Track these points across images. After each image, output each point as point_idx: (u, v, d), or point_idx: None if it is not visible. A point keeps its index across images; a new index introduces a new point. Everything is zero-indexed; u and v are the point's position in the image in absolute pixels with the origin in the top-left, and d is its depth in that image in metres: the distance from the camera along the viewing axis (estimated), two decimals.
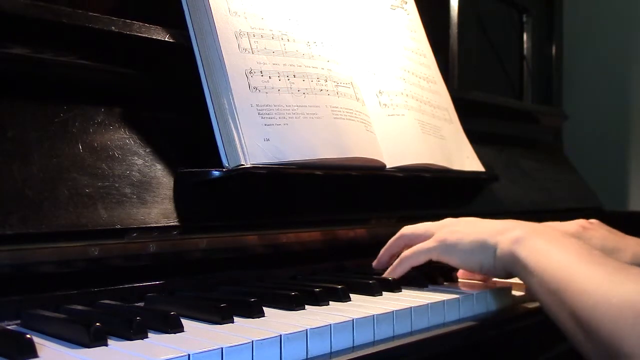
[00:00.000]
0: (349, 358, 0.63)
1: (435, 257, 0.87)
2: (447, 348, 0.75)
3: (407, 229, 0.94)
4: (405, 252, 0.90)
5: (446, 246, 0.86)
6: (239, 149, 0.83)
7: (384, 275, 0.89)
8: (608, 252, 0.98)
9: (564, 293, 0.70)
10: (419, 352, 0.71)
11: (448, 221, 0.92)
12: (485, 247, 0.83)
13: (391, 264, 0.91)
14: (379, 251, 0.96)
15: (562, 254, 0.75)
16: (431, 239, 0.88)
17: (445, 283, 0.92)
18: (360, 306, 0.74)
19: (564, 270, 0.72)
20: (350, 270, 1.02)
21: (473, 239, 0.85)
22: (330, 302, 0.76)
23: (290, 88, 0.91)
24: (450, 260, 0.87)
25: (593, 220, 1.07)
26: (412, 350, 0.70)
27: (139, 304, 0.76)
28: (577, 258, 0.73)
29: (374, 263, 0.97)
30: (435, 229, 0.90)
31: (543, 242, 0.78)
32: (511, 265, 0.80)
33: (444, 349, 0.74)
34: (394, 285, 0.85)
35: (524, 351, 0.93)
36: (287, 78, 0.92)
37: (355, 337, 0.67)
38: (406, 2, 1.23)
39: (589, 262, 0.72)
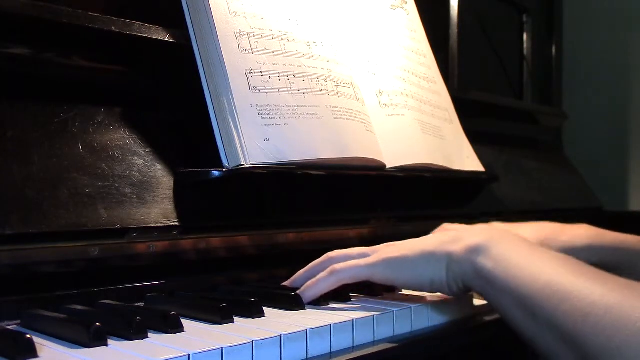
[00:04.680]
0: (349, 358, 0.63)
1: (376, 277, 0.75)
2: (449, 347, 0.75)
3: (336, 252, 0.80)
4: (337, 265, 0.76)
5: (389, 263, 0.74)
6: (239, 149, 0.83)
7: (301, 290, 0.76)
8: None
9: (551, 311, 0.59)
10: (420, 352, 0.71)
11: (385, 244, 0.79)
12: (434, 259, 0.72)
13: None
14: None
15: (538, 264, 0.64)
16: (372, 256, 0.76)
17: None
18: (361, 307, 0.74)
19: (545, 283, 0.61)
20: None
21: (420, 252, 0.73)
22: (331, 303, 0.76)
23: (290, 88, 0.91)
24: (395, 279, 0.75)
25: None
26: (413, 350, 0.70)
27: (139, 304, 0.76)
28: (557, 266, 0.63)
29: (287, 283, 0.82)
30: (371, 250, 0.78)
31: (510, 250, 0.66)
32: (470, 280, 0.69)
33: (442, 348, 0.74)
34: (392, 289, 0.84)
35: None
36: (287, 78, 0.91)
37: (355, 337, 0.67)
38: (406, 2, 1.23)
39: (574, 271, 0.62)
